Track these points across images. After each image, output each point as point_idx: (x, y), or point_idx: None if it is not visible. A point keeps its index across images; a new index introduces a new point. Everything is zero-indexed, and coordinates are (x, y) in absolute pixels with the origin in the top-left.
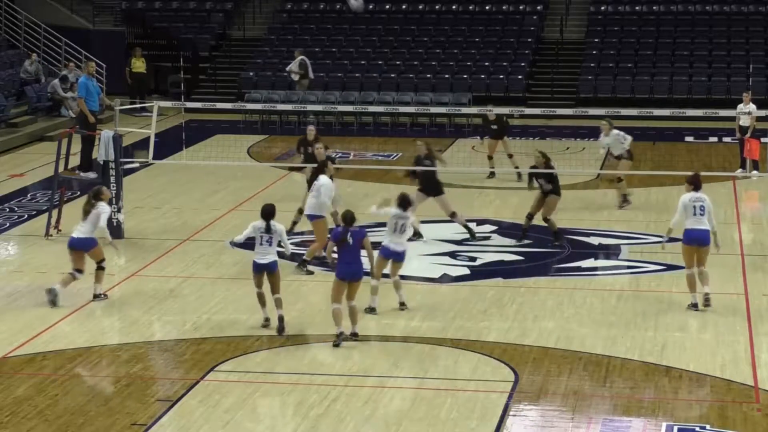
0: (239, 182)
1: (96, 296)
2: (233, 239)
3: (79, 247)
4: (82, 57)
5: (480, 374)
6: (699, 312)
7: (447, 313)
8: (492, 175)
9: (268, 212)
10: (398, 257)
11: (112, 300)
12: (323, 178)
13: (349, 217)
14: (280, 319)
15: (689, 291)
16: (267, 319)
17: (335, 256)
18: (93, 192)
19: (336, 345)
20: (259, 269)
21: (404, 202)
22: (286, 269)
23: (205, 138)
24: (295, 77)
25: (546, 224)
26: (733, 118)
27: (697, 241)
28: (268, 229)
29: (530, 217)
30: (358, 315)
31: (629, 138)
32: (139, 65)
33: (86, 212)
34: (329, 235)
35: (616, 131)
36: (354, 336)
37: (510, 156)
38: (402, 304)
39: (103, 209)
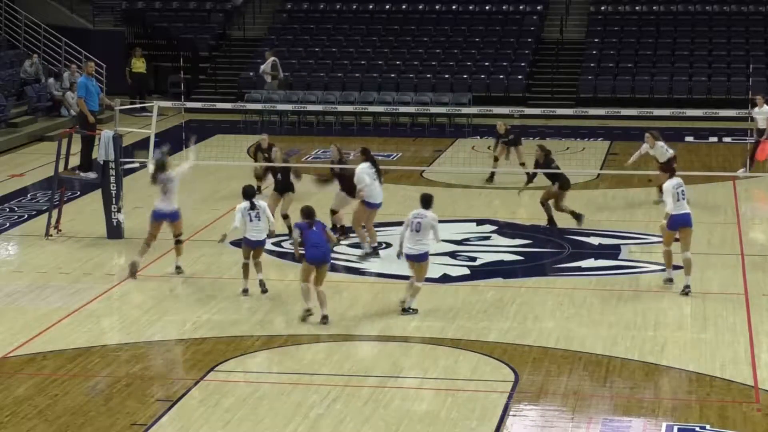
0: (239, 182)
1: (178, 268)
2: (226, 234)
3: (168, 217)
4: (82, 57)
5: (480, 374)
6: (699, 312)
7: (447, 313)
8: (491, 177)
9: (250, 192)
10: (415, 258)
11: (112, 300)
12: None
13: (308, 211)
14: (261, 283)
15: (666, 266)
16: (246, 290)
17: (302, 251)
18: (158, 164)
19: (303, 320)
20: (249, 244)
21: (427, 201)
22: (286, 269)
23: (205, 138)
24: (268, 78)
25: (542, 208)
26: (733, 119)
27: (682, 224)
28: (253, 206)
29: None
30: (327, 299)
31: (671, 150)
32: (139, 65)
33: (161, 183)
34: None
35: (661, 143)
36: (324, 319)
37: (522, 164)
38: (403, 303)
39: (175, 174)
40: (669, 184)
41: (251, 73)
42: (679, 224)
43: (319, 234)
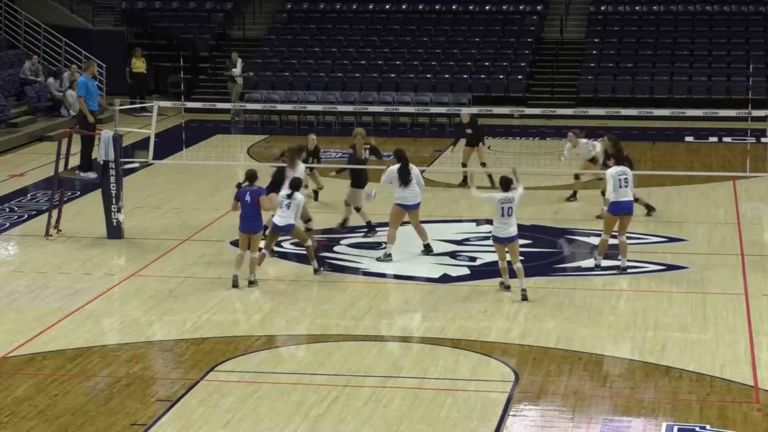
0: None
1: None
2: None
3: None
4: (82, 57)
5: (480, 374)
6: (699, 312)
7: (447, 313)
8: (464, 182)
9: (296, 184)
10: (510, 240)
11: (112, 300)
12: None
13: (250, 176)
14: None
15: (599, 254)
16: (269, 252)
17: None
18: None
19: (234, 286)
20: (273, 228)
21: (507, 184)
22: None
23: (205, 138)
24: (241, 80)
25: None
26: (733, 119)
27: (624, 210)
28: (290, 196)
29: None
30: (256, 265)
31: (598, 144)
32: (139, 65)
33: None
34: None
35: (584, 140)
36: (252, 284)
37: (483, 164)
38: (523, 291)
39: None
40: (612, 170)
41: (251, 73)
42: (621, 211)
43: (251, 205)
